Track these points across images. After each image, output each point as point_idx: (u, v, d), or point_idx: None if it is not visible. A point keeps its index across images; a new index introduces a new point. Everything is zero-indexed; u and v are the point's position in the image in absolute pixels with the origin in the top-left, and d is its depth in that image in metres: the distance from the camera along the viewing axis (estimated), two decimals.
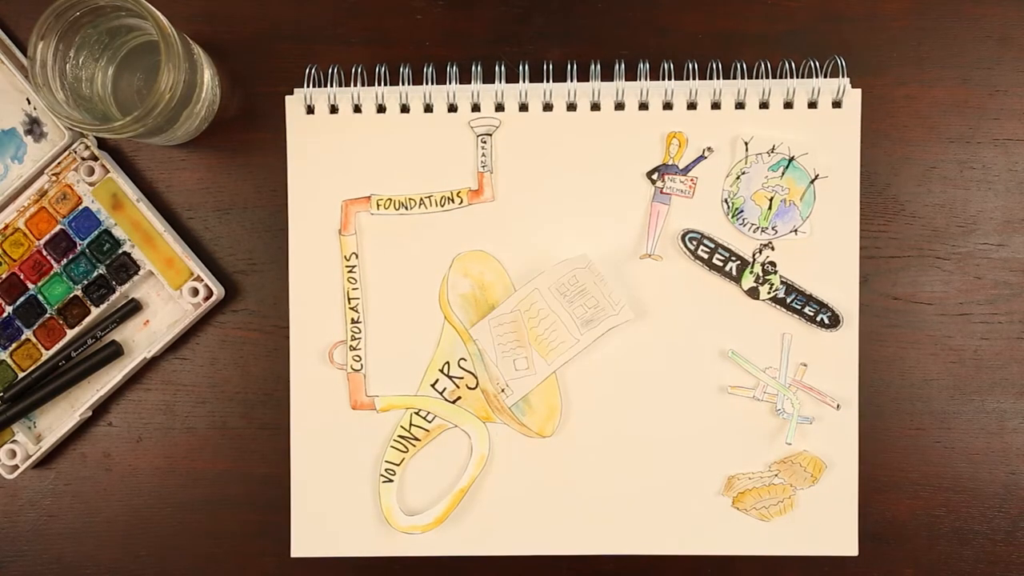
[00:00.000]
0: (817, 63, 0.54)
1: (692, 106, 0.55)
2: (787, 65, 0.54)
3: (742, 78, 0.54)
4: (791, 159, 0.55)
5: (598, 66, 0.54)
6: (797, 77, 0.54)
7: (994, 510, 0.56)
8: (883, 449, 0.56)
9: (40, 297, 0.57)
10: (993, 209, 0.56)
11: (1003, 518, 0.56)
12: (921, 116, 0.56)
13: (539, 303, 0.54)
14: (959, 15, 0.56)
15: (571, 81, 0.54)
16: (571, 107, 0.55)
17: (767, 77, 0.54)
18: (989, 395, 0.56)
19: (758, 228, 0.55)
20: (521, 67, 0.55)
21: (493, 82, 0.55)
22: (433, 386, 0.56)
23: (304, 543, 0.56)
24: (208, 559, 0.58)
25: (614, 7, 0.57)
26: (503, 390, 0.54)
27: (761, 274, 0.55)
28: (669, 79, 0.55)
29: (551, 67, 0.55)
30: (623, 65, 0.54)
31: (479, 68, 0.55)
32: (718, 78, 0.54)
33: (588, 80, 0.54)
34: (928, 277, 0.56)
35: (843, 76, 0.54)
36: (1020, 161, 0.56)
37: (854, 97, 0.54)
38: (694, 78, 0.54)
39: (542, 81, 0.55)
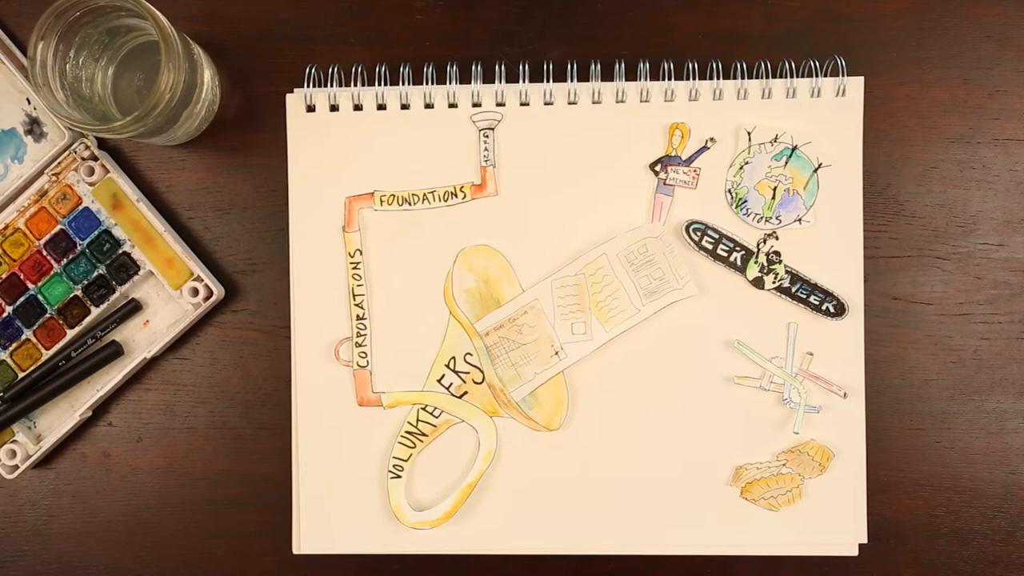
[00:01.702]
0: (817, 63, 0.54)
1: (694, 100, 0.55)
2: (787, 65, 0.54)
3: (742, 78, 0.54)
4: (794, 148, 0.55)
5: (598, 66, 0.54)
6: (797, 77, 0.54)
7: (994, 510, 0.56)
8: (883, 449, 0.56)
9: (40, 297, 0.57)
10: (993, 209, 0.56)
11: (1003, 518, 0.56)
12: (921, 116, 0.56)
13: (605, 268, 0.54)
14: (959, 15, 0.56)
15: (571, 81, 0.54)
16: (572, 104, 0.55)
17: (767, 77, 0.54)
18: (989, 395, 0.56)
19: (762, 218, 0.55)
20: (521, 67, 0.55)
21: (493, 82, 0.55)
22: (439, 381, 0.56)
23: (311, 540, 0.56)
24: (208, 559, 0.58)
25: (614, 7, 0.57)
26: (556, 353, 0.54)
27: (766, 264, 0.55)
28: (669, 79, 0.55)
29: (551, 67, 0.55)
30: (623, 65, 0.54)
31: (479, 68, 0.55)
32: (718, 78, 0.54)
33: (588, 80, 0.54)
34: (928, 277, 0.56)
35: (843, 76, 0.54)
36: (1020, 161, 0.56)
37: (856, 85, 0.54)
38: (694, 78, 0.54)
39: (542, 81, 0.55)
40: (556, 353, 0.55)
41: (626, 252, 0.54)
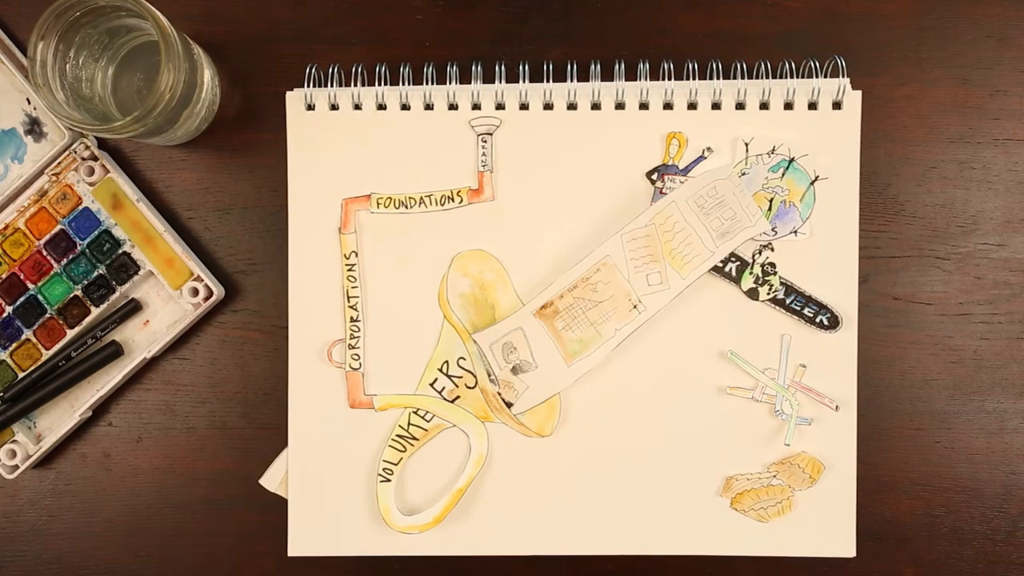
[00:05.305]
0: (817, 63, 0.54)
1: (692, 106, 0.55)
2: (787, 65, 0.54)
3: (742, 78, 0.54)
4: (791, 160, 0.55)
5: (598, 66, 0.54)
6: (797, 77, 0.54)
7: (994, 510, 0.56)
8: (883, 449, 0.56)
9: (40, 297, 0.57)
10: (993, 209, 0.56)
11: (1003, 518, 0.56)
12: (921, 116, 0.56)
13: (675, 216, 0.53)
14: (959, 15, 0.56)
15: (571, 81, 0.54)
16: (571, 107, 0.55)
17: (767, 77, 0.54)
18: (989, 395, 0.56)
19: None
20: (521, 67, 0.55)
21: (493, 82, 0.55)
22: (432, 385, 0.56)
23: (302, 542, 0.56)
24: (208, 559, 0.58)
25: (614, 7, 0.57)
26: (635, 306, 0.53)
27: (761, 275, 0.55)
28: (669, 79, 0.55)
29: (551, 67, 0.55)
30: (623, 65, 0.54)
31: (479, 68, 0.55)
32: (718, 78, 0.54)
33: (588, 80, 0.54)
34: (928, 277, 0.56)
35: (843, 76, 0.54)
36: (1020, 161, 0.56)
37: (854, 98, 0.54)
38: (694, 78, 0.54)
39: (542, 81, 0.55)
40: (635, 307, 0.54)
41: (695, 197, 0.53)
